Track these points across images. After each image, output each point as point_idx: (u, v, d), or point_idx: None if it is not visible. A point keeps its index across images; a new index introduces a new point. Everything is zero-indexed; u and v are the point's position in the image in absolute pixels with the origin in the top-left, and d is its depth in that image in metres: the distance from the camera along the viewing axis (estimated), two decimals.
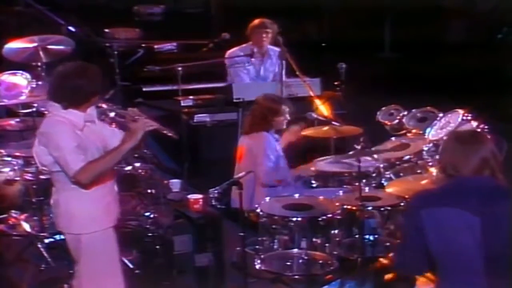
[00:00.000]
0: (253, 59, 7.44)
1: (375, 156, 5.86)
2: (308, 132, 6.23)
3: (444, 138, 3.69)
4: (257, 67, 7.52)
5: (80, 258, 4.38)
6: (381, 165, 5.88)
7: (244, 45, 7.52)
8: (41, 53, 6.92)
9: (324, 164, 5.94)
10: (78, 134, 4.24)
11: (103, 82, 4.41)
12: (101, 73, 4.38)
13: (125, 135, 4.35)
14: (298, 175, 6.09)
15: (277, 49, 7.36)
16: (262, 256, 5.13)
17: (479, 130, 3.54)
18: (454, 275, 3.30)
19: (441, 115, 6.14)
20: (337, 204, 5.27)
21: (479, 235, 3.22)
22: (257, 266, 5.11)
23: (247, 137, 5.99)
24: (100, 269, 4.38)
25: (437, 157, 5.57)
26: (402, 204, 5.26)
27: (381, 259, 4.72)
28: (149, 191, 6.02)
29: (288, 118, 5.98)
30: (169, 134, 4.55)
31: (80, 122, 4.27)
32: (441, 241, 3.30)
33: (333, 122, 6.35)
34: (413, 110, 6.48)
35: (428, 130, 6.04)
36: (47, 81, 6.84)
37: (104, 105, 4.52)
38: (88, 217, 4.33)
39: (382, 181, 5.83)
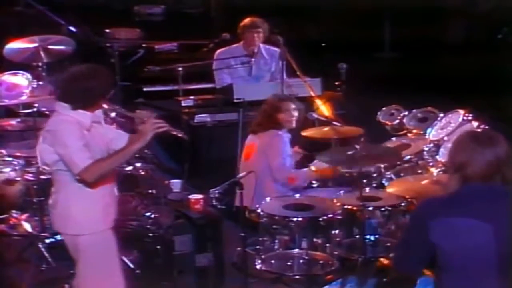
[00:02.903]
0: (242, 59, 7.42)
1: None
2: (308, 132, 6.23)
3: (456, 137, 3.61)
4: (247, 67, 7.48)
5: (79, 259, 4.39)
6: (382, 165, 5.87)
7: (234, 45, 7.51)
8: (41, 53, 6.93)
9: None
10: (85, 134, 4.24)
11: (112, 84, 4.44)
12: (111, 75, 4.40)
13: (134, 136, 4.35)
14: None
15: (274, 48, 7.35)
16: (262, 256, 5.13)
17: (494, 132, 3.46)
18: (466, 278, 3.28)
19: (441, 115, 6.14)
20: (337, 204, 5.27)
21: (493, 241, 3.20)
22: (258, 266, 5.12)
23: (257, 136, 5.99)
24: (99, 270, 4.37)
25: (440, 157, 5.64)
26: (402, 204, 5.26)
27: (381, 259, 4.72)
28: (149, 191, 6.00)
29: (295, 116, 5.97)
30: (179, 135, 4.56)
31: (87, 122, 4.28)
32: (452, 249, 3.25)
33: (334, 123, 6.35)
34: (414, 110, 6.48)
35: (428, 130, 6.05)
36: (48, 81, 6.86)
37: (105, 105, 4.52)
38: (85, 218, 4.32)
39: (383, 181, 5.83)
